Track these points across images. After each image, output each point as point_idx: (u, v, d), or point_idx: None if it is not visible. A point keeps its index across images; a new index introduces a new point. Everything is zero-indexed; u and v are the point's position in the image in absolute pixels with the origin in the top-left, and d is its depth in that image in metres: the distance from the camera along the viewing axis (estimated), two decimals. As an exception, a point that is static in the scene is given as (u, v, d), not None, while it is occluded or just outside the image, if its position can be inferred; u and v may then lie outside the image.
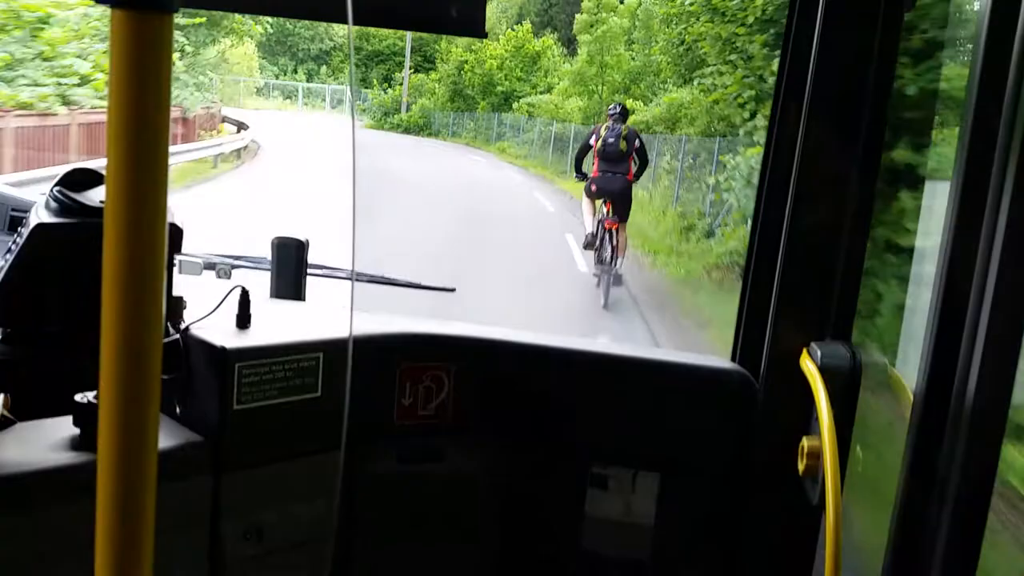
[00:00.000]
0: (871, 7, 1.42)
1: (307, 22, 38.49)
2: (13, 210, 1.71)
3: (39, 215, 1.33)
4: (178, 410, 1.41)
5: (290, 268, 1.85)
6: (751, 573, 1.63)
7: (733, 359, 1.69)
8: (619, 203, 9.39)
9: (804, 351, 1.47)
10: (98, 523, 0.65)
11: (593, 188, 9.58)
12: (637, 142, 9.62)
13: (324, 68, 43.76)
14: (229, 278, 1.93)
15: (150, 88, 0.59)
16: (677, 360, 1.68)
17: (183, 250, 1.54)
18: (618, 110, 9.81)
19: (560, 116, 27.37)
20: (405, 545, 1.66)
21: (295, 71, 43.55)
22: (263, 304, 1.62)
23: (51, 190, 1.36)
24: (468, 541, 1.72)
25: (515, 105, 32.24)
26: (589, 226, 9.69)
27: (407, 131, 35.61)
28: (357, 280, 2.02)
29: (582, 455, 1.69)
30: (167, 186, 0.61)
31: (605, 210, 9.42)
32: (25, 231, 1.33)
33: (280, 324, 1.52)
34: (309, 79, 42.54)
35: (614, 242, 9.07)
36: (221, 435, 1.35)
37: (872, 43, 1.43)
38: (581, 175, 9.83)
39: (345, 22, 0.65)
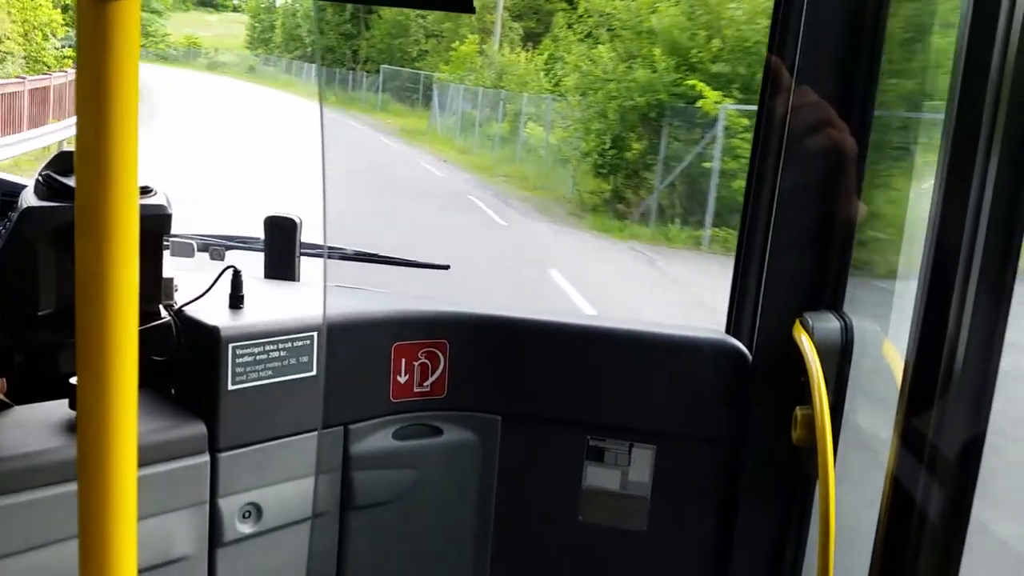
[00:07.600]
0: None
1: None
2: (3, 195, 1.71)
3: (28, 199, 1.33)
4: (173, 391, 1.41)
5: (283, 248, 1.84)
6: (747, 543, 1.64)
7: (728, 331, 1.70)
8: None
9: (797, 322, 1.48)
10: (80, 507, 0.65)
11: None
12: None
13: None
14: (222, 259, 1.92)
15: (118, 72, 0.60)
16: (671, 333, 1.69)
17: (175, 232, 1.54)
18: None
19: None
20: (402, 521, 1.67)
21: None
22: (256, 284, 1.62)
23: (39, 174, 1.35)
24: (465, 516, 1.73)
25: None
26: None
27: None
28: (353, 259, 2.03)
29: (578, 429, 1.70)
30: (137, 168, 0.61)
31: None
32: (15, 215, 1.33)
33: (273, 304, 1.53)
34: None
35: None
36: (216, 415, 1.35)
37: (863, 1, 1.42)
38: None
39: None
